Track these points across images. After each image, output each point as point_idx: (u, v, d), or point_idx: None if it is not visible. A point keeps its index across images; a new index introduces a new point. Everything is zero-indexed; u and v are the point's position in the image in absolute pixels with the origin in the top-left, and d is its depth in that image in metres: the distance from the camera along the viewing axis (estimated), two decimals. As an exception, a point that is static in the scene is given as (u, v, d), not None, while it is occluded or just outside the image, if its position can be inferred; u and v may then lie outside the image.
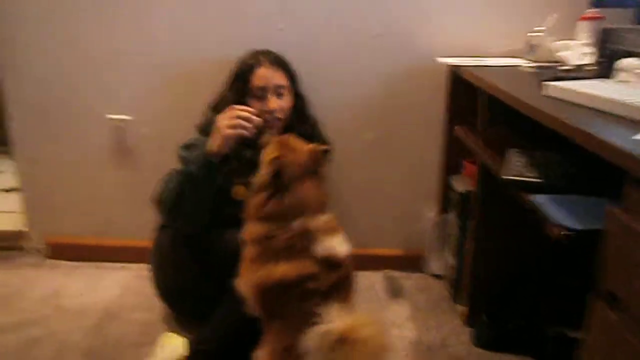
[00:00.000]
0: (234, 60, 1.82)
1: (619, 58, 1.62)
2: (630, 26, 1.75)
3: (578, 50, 1.68)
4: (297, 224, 1.24)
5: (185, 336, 1.63)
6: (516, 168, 1.15)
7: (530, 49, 1.79)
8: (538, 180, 1.11)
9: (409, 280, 2.13)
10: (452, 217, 1.95)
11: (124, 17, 1.96)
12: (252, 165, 1.67)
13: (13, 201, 2.34)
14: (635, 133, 0.90)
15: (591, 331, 0.95)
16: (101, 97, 2.05)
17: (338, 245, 1.28)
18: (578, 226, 0.93)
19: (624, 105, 0.99)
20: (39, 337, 1.73)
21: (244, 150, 1.65)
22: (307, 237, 1.24)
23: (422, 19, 1.94)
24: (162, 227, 1.77)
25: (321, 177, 1.33)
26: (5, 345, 1.69)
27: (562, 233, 0.92)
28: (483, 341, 1.72)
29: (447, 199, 2.02)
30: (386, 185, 2.13)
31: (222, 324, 1.52)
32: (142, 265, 2.13)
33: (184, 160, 1.61)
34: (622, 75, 1.37)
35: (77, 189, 2.16)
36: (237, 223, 1.66)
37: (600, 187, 1.06)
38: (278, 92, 1.70)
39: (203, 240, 1.63)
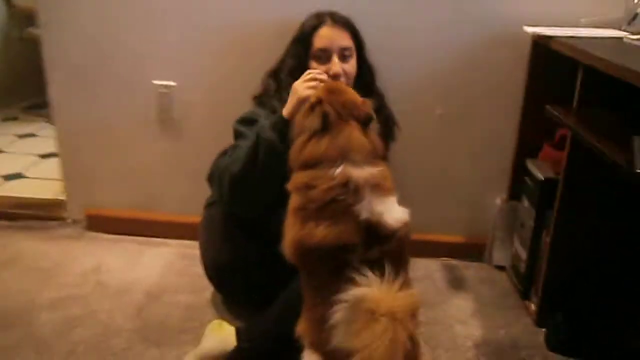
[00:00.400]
0: (292, 23, 1.66)
1: None
2: None
3: (692, 22, 1.47)
4: (338, 171, 1.07)
5: (235, 325, 1.49)
6: (651, 160, 0.97)
7: (632, 18, 1.58)
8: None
9: (468, 270, 1.98)
10: (525, 204, 1.78)
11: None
12: None
13: (51, 168, 2.24)
14: None
15: None
16: (147, 61, 1.91)
17: (388, 211, 1.08)
18: None
19: None
20: (80, 316, 1.64)
21: None
22: (350, 191, 1.06)
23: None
24: (214, 203, 1.64)
25: (372, 131, 1.19)
26: (45, 324, 1.59)
27: None
28: (558, 344, 1.56)
29: (519, 185, 1.84)
30: (452, 166, 1.96)
31: (275, 325, 1.39)
32: (184, 242, 2.04)
33: (242, 135, 1.46)
34: None
35: (118, 158, 2.04)
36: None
37: None
38: (343, 54, 1.55)
39: (259, 220, 1.49)
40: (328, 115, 1.13)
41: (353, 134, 1.13)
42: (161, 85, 1.91)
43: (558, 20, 1.71)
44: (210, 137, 1.96)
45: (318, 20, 1.56)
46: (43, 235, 2.08)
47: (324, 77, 1.40)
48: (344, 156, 1.09)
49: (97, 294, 1.75)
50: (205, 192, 1.76)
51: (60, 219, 2.15)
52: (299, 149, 1.16)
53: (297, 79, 1.43)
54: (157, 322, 1.63)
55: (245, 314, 1.60)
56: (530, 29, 1.67)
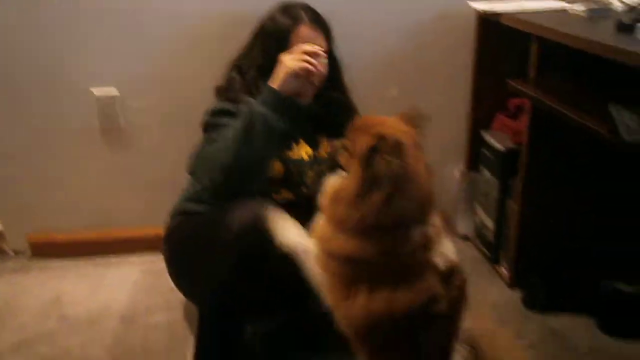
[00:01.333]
0: (243, 17, 1.58)
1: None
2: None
3: (625, -12, 1.56)
4: (417, 234, 0.98)
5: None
6: (635, 127, 1.02)
7: (569, -12, 1.66)
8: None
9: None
10: (485, 175, 1.84)
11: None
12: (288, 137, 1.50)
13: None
14: None
15: None
16: (83, 68, 1.75)
17: (450, 249, 1.04)
18: None
19: None
20: (52, 355, 1.51)
21: None
22: (427, 248, 0.99)
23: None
24: (178, 214, 1.56)
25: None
26: (14, 370, 1.46)
27: None
28: (535, 303, 1.66)
29: (476, 155, 1.90)
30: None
31: None
32: (146, 257, 1.94)
33: (217, 126, 1.36)
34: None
35: (60, 177, 1.88)
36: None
37: None
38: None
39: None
40: (388, 170, 0.95)
41: (422, 186, 1.00)
42: (102, 93, 1.77)
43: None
44: (163, 143, 1.87)
45: (295, 18, 1.46)
46: (-18, 272, 1.89)
47: (317, 49, 1.31)
48: (420, 216, 0.99)
49: (65, 329, 1.61)
50: (163, 201, 1.67)
51: (1, 252, 1.96)
52: (353, 215, 0.98)
53: (268, 77, 1.36)
54: (138, 347, 1.54)
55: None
56: (475, 5, 1.71)
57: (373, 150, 0.96)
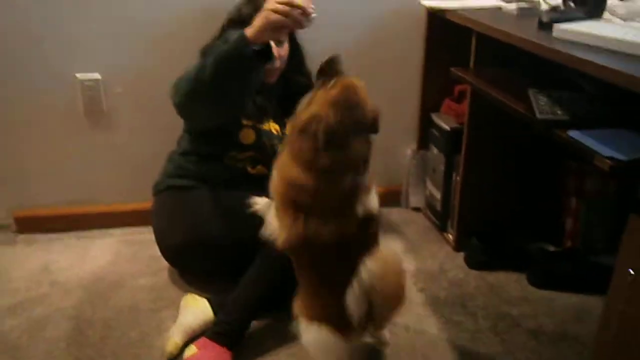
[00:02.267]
0: (214, 8, 1.75)
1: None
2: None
3: (550, -10, 1.81)
4: (348, 181, 1.21)
5: (205, 297, 1.61)
6: (546, 107, 1.27)
7: (504, -11, 1.90)
8: (569, 117, 1.23)
9: (391, 215, 2.26)
10: (434, 152, 2.08)
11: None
12: (262, 111, 1.69)
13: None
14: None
15: (630, 242, 1.12)
16: (67, 54, 1.88)
17: (373, 202, 1.29)
18: (623, 157, 1.07)
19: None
20: (47, 315, 1.66)
21: (255, 95, 1.64)
22: (354, 196, 1.23)
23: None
24: (165, 188, 1.73)
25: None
26: (12, 329, 1.60)
27: (611, 164, 1.06)
28: (476, 262, 1.91)
29: (426, 136, 2.14)
30: (367, 127, 2.20)
31: (252, 297, 1.54)
32: (127, 229, 2.10)
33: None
34: (606, 15, 1.52)
35: (45, 156, 2.01)
36: (243, 173, 1.68)
37: (620, 121, 1.22)
38: (278, 39, 1.61)
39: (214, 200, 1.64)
40: (343, 132, 1.18)
41: (362, 148, 1.23)
42: (86, 78, 1.90)
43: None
44: (142, 125, 2.02)
45: (258, 7, 1.55)
46: (-29, 246, 2.00)
47: (300, 2, 1.34)
48: (354, 168, 1.22)
49: (56, 293, 1.76)
50: (142, 179, 1.85)
51: (-14, 226, 2.08)
52: (310, 154, 1.19)
53: None
54: (127, 307, 1.70)
55: (210, 288, 1.71)
56: (425, 2, 1.94)
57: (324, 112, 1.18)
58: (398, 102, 2.17)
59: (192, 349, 1.46)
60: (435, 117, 2.05)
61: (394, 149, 2.25)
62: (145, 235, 1.93)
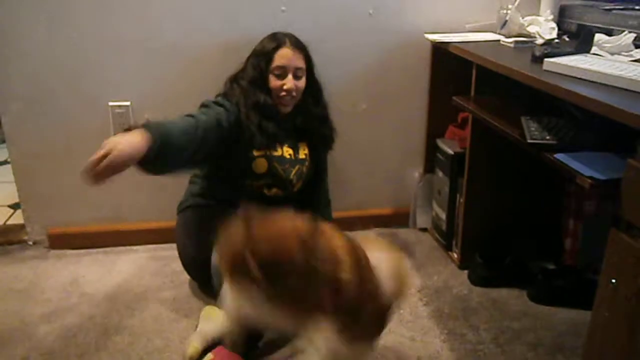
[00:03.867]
0: (236, 43, 1.94)
1: (577, 33, 1.93)
2: (582, 2, 2.06)
3: (545, 26, 1.96)
4: None
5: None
6: (536, 133, 1.40)
7: (503, 24, 2.05)
8: (556, 142, 1.36)
9: (399, 235, 2.39)
10: (439, 175, 2.21)
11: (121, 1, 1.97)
12: (273, 138, 1.83)
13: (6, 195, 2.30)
14: (639, 102, 1.17)
15: (611, 255, 1.23)
16: (101, 84, 2.06)
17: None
18: (602, 177, 1.19)
19: (627, 79, 1.26)
20: (77, 323, 1.79)
21: (265, 122, 1.79)
22: None
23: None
24: (187, 207, 1.88)
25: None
26: (46, 335, 1.73)
27: (591, 183, 1.19)
28: (479, 279, 2.01)
29: (432, 160, 2.27)
30: (376, 151, 2.35)
31: None
32: (150, 246, 2.24)
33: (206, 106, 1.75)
34: (594, 49, 1.66)
35: (78, 177, 2.14)
36: (260, 195, 1.83)
37: (604, 145, 1.34)
38: (296, 74, 1.81)
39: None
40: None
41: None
42: (117, 105, 2.08)
43: (448, 27, 2.15)
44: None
45: (279, 41, 1.81)
46: (7, 259, 2.15)
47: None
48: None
49: (86, 303, 1.89)
50: (166, 199, 2.00)
51: (21, 241, 2.23)
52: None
53: (257, 86, 1.78)
54: (151, 316, 1.82)
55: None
56: (430, 36, 2.09)
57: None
58: (406, 129, 2.32)
59: (209, 356, 1.57)
60: (440, 143, 2.19)
61: (402, 172, 2.38)
62: (168, 252, 2.07)
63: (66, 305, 1.88)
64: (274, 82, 1.80)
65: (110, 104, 2.08)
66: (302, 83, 1.85)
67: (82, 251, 2.21)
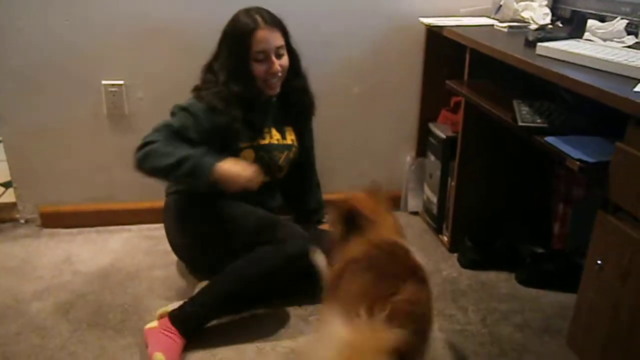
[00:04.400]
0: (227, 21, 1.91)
1: (570, 19, 1.94)
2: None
3: (539, 11, 1.97)
4: None
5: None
6: (527, 116, 1.41)
7: (497, 9, 2.05)
8: (546, 125, 1.38)
9: (390, 218, 2.40)
10: (431, 159, 2.22)
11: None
12: (260, 128, 1.80)
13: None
14: (630, 86, 1.19)
15: (598, 236, 1.26)
16: (94, 63, 2.05)
17: None
18: (590, 159, 1.21)
19: (618, 64, 1.28)
20: (69, 300, 1.80)
21: (250, 114, 1.74)
22: None
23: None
24: (173, 192, 1.87)
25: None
26: (39, 312, 1.74)
27: (580, 165, 1.20)
28: (468, 262, 2.04)
29: (424, 144, 2.29)
30: (369, 134, 2.35)
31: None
32: (143, 226, 2.24)
33: (175, 120, 1.68)
34: (586, 35, 1.67)
35: (70, 156, 2.17)
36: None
37: (594, 129, 1.36)
38: (278, 53, 1.73)
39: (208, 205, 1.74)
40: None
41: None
42: (110, 84, 2.07)
43: (443, 11, 2.15)
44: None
45: (252, 23, 1.69)
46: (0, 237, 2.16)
47: (257, 179, 1.61)
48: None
49: (78, 281, 1.90)
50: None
51: (13, 220, 2.23)
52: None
53: (238, 77, 1.68)
54: (143, 294, 1.84)
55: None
56: (424, 20, 2.09)
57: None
58: (399, 113, 2.33)
59: (154, 322, 1.60)
60: (432, 127, 2.20)
61: (395, 156, 2.39)
62: (160, 231, 2.05)
63: (59, 282, 1.89)
64: (257, 68, 1.71)
65: (104, 82, 2.07)
66: (285, 60, 1.77)
67: (74, 230, 2.21)
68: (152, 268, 1.98)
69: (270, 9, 1.86)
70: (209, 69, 1.78)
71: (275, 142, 1.84)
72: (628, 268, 1.16)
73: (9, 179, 2.22)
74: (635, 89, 1.17)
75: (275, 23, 1.74)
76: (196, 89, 1.77)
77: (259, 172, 1.65)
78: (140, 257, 2.05)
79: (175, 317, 1.59)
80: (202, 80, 1.79)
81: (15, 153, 2.13)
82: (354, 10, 2.14)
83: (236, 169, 1.59)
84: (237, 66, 1.72)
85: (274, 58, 1.73)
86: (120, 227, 2.24)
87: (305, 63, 1.98)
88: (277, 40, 1.73)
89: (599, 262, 1.23)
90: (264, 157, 1.80)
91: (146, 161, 1.62)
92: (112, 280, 1.91)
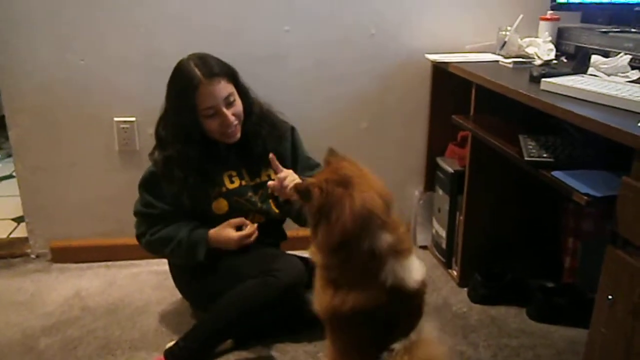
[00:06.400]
0: (239, 62, 1.92)
1: (574, 54, 1.97)
2: (579, 25, 2.10)
3: (543, 47, 2.00)
4: (363, 250, 1.17)
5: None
6: (533, 151, 1.43)
7: (502, 45, 2.09)
8: (553, 159, 1.39)
9: (399, 252, 2.39)
10: (439, 193, 2.23)
11: (127, 19, 2.03)
12: (212, 178, 1.72)
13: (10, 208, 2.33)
14: (634, 121, 1.20)
15: (608, 271, 1.25)
16: (107, 100, 2.10)
17: (408, 273, 1.21)
18: (598, 194, 1.22)
19: (622, 99, 1.29)
20: (78, 336, 1.80)
21: (212, 169, 1.70)
22: (376, 263, 1.18)
23: (407, 20, 2.19)
24: None
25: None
26: (47, 348, 1.74)
27: (587, 200, 1.21)
28: (478, 297, 2.02)
29: (432, 178, 2.30)
30: (377, 168, 2.32)
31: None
32: (151, 261, 2.24)
33: (140, 203, 1.76)
34: (591, 70, 1.69)
35: (82, 191, 2.20)
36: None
37: (600, 163, 1.37)
38: (228, 102, 1.62)
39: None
40: (324, 199, 1.16)
41: (363, 199, 1.18)
42: (122, 121, 2.12)
43: (449, 47, 2.20)
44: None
45: (192, 80, 1.57)
46: (10, 272, 2.17)
47: (252, 233, 1.67)
48: (363, 233, 1.16)
49: (87, 316, 1.90)
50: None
51: (24, 254, 2.25)
52: (313, 237, 1.21)
53: (189, 140, 1.62)
54: (152, 330, 1.83)
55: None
56: (430, 56, 2.13)
57: (300, 195, 1.20)
58: (406, 147, 2.35)
59: None
60: (440, 161, 2.21)
61: (403, 190, 2.40)
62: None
63: (67, 318, 1.89)
64: (209, 124, 1.62)
65: (116, 119, 2.12)
66: (239, 106, 1.65)
67: (84, 265, 2.23)
68: (161, 303, 1.98)
69: (281, 46, 1.91)
70: (160, 125, 1.72)
71: (245, 183, 1.75)
72: (639, 303, 1.15)
73: (21, 214, 2.25)
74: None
75: (217, 72, 1.61)
76: (154, 149, 1.73)
77: (249, 226, 1.67)
78: (149, 292, 2.05)
79: (170, 354, 1.60)
80: (155, 136, 1.73)
81: (28, 188, 2.17)
82: (362, 47, 2.19)
83: (225, 233, 1.66)
84: (185, 131, 1.63)
85: (224, 110, 1.61)
86: (129, 262, 2.25)
87: (314, 99, 2.03)
88: (224, 90, 1.61)
89: (609, 297, 1.22)
90: (238, 202, 1.73)
91: (151, 252, 1.78)
92: (120, 315, 1.91)
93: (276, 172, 1.66)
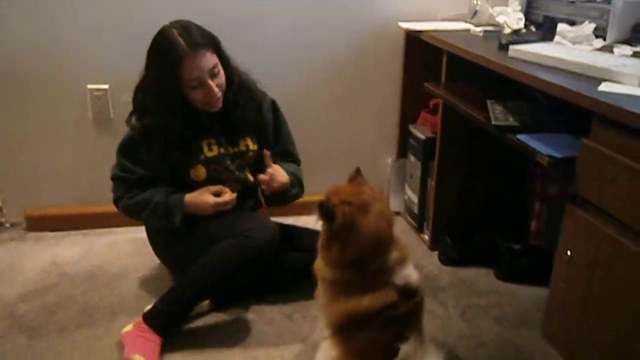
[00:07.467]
0: (215, 29, 1.92)
1: (543, 23, 2.02)
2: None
3: (513, 16, 2.04)
4: (374, 267, 1.29)
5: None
6: (500, 115, 1.48)
7: (473, 14, 2.12)
8: (519, 124, 1.45)
9: (373, 218, 2.46)
10: (411, 160, 2.29)
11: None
12: (193, 145, 1.73)
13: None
14: (595, 86, 1.26)
15: (567, 228, 1.32)
16: (79, 68, 2.08)
17: (412, 274, 1.35)
18: (559, 155, 1.28)
19: (584, 65, 1.35)
20: (57, 301, 1.82)
21: (194, 139, 1.72)
22: (386, 273, 1.31)
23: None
24: None
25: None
26: (26, 313, 1.76)
27: (549, 161, 1.27)
28: (448, 259, 2.10)
29: (405, 145, 2.35)
30: (351, 136, 2.41)
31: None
32: (127, 228, 2.25)
33: (117, 168, 1.76)
34: (557, 39, 1.75)
35: (56, 160, 2.19)
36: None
37: (563, 126, 1.43)
38: (213, 73, 1.61)
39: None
40: (341, 220, 1.24)
41: (372, 231, 1.27)
42: (95, 88, 2.10)
43: (421, 16, 2.22)
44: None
45: (177, 52, 1.54)
46: (-16, 242, 2.17)
47: (227, 204, 1.69)
48: (374, 254, 1.29)
49: (65, 283, 1.92)
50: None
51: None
52: (328, 256, 1.31)
53: (173, 108, 1.61)
54: (131, 295, 1.86)
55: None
56: (403, 24, 2.16)
57: (323, 215, 1.27)
58: (380, 115, 2.39)
59: (130, 326, 1.62)
60: (412, 128, 2.26)
61: (376, 157, 2.45)
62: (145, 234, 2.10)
63: (45, 285, 1.91)
64: (193, 95, 1.62)
65: (89, 87, 2.09)
66: (222, 76, 1.65)
67: (60, 233, 2.23)
68: (139, 269, 2.01)
69: (257, 16, 1.91)
70: (139, 89, 1.68)
71: (223, 151, 1.76)
72: (595, 257, 1.22)
73: (-7, 183, 2.23)
74: (600, 88, 1.24)
75: (202, 43, 1.59)
76: (130, 118, 1.71)
77: (227, 193, 1.70)
78: (126, 259, 2.07)
79: (148, 316, 1.63)
80: (134, 105, 1.71)
81: (0, 157, 2.14)
82: (336, 14, 2.20)
83: (201, 198, 1.68)
84: (169, 100, 1.62)
85: (209, 82, 1.61)
86: (106, 229, 2.26)
87: (289, 65, 2.04)
88: (209, 61, 1.60)
89: (568, 252, 1.30)
90: (216, 169, 1.75)
91: (128, 216, 1.78)
92: (99, 282, 1.93)
93: (267, 167, 1.75)
